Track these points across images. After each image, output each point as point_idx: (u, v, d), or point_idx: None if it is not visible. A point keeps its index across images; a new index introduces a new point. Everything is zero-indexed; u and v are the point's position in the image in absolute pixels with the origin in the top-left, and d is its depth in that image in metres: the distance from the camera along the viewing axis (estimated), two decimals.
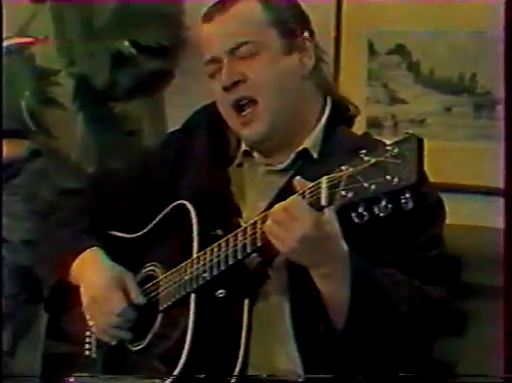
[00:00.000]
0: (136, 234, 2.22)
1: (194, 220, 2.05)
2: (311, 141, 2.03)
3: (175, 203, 2.12)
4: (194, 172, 2.17)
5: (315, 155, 2.03)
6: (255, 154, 2.10)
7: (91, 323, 2.14)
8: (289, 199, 1.79)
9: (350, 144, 1.98)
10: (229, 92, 1.99)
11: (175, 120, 2.57)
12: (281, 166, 2.07)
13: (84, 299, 2.11)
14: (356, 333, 1.84)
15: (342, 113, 2.11)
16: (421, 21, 2.49)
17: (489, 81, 2.56)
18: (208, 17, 2.06)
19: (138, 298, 2.10)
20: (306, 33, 2.06)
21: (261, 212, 1.94)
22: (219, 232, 1.99)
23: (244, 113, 2.00)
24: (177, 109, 2.81)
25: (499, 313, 1.86)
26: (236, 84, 1.97)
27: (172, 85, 2.95)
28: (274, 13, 2.05)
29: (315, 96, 2.07)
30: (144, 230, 2.20)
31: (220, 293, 1.96)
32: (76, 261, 2.14)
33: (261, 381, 1.85)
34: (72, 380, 2.12)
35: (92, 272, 2.12)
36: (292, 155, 2.04)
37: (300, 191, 1.79)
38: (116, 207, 2.27)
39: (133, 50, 2.82)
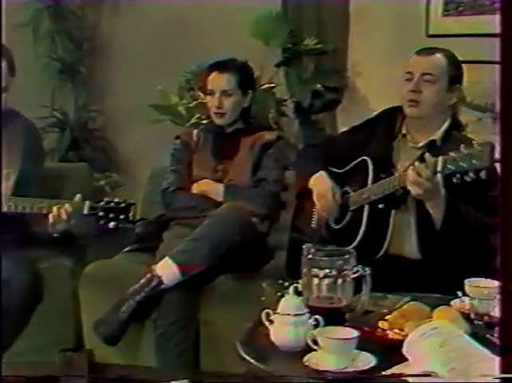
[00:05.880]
0: (342, 170, 2.79)
1: (371, 167, 2.64)
2: (438, 135, 2.60)
3: (361, 158, 2.69)
4: (376, 142, 2.70)
5: (438, 143, 2.59)
6: (408, 136, 2.64)
7: (317, 208, 2.74)
8: (420, 167, 2.29)
9: (457, 141, 2.47)
10: (409, 93, 2.57)
11: (343, 125, 3.57)
12: (419, 145, 2.61)
13: (315, 196, 2.73)
14: (446, 232, 2.38)
15: (456, 124, 2.64)
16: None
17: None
18: (423, 52, 2.60)
19: (340, 199, 2.70)
20: (458, 85, 2.61)
21: (405, 168, 2.45)
22: (383, 175, 2.57)
23: (412, 104, 2.55)
24: (343, 120, 3.85)
25: None
26: (415, 91, 2.55)
27: (340, 107, 3.98)
28: (450, 67, 2.60)
29: (447, 110, 2.61)
30: (345, 169, 2.78)
31: (380, 205, 2.55)
32: (314, 177, 2.78)
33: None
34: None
35: (321, 183, 2.74)
36: (426, 141, 2.58)
37: (426, 164, 2.28)
38: (335, 155, 2.84)
39: (322, 89, 3.84)
